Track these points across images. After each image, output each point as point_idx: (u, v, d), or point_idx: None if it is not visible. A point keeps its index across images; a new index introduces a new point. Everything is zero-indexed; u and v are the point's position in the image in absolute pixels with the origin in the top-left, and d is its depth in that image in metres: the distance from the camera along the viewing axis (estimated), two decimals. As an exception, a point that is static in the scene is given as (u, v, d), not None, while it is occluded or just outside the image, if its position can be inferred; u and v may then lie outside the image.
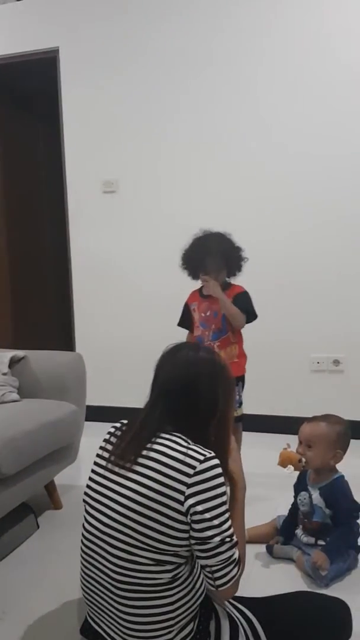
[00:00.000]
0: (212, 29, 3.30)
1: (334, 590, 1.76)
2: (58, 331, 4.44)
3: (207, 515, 1.17)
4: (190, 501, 1.17)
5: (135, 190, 3.57)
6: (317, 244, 3.25)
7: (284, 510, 2.15)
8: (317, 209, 3.24)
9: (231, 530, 1.22)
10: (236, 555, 1.23)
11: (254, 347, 3.34)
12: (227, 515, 1.21)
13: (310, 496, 1.98)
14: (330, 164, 3.18)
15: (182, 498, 1.17)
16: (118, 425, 1.39)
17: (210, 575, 1.23)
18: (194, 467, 1.18)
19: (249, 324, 2.54)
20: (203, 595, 1.31)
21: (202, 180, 3.42)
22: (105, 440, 1.37)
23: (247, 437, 2.64)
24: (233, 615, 1.33)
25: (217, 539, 1.18)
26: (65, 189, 3.75)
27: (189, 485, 1.17)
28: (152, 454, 1.22)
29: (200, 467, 1.19)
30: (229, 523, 1.21)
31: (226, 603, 1.36)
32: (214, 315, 2.52)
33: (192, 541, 1.19)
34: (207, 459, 1.20)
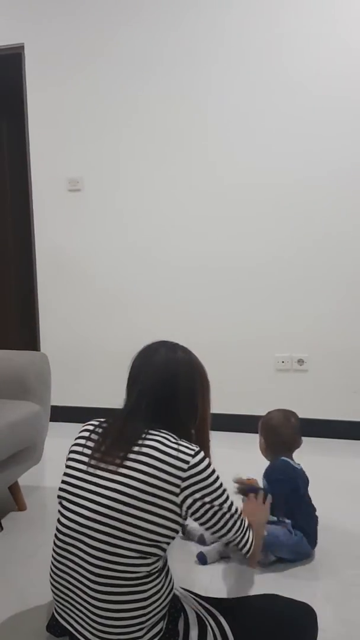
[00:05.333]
0: (179, 26, 3.31)
1: (288, 586, 1.78)
2: (22, 330, 4.38)
3: (207, 499, 1.27)
4: (187, 492, 1.25)
5: (101, 189, 3.55)
6: (281, 244, 3.30)
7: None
8: (279, 208, 3.28)
9: (230, 502, 1.34)
10: (245, 522, 1.40)
11: (219, 347, 3.38)
12: (226, 495, 1.33)
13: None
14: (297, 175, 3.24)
15: (177, 490, 1.24)
16: (96, 423, 1.40)
17: (235, 548, 1.41)
18: (187, 462, 1.26)
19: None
20: (172, 594, 1.32)
21: (168, 179, 3.43)
22: (84, 438, 1.37)
23: (212, 436, 2.64)
24: (201, 615, 1.34)
25: (226, 517, 1.32)
26: (29, 187, 3.71)
27: (184, 479, 1.25)
28: (145, 449, 1.26)
29: (193, 461, 1.27)
30: (229, 501, 1.33)
31: (194, 602, 1.38)
32: None
33: (206, 526, 1.32)
34: (197, 453, 1.29)
